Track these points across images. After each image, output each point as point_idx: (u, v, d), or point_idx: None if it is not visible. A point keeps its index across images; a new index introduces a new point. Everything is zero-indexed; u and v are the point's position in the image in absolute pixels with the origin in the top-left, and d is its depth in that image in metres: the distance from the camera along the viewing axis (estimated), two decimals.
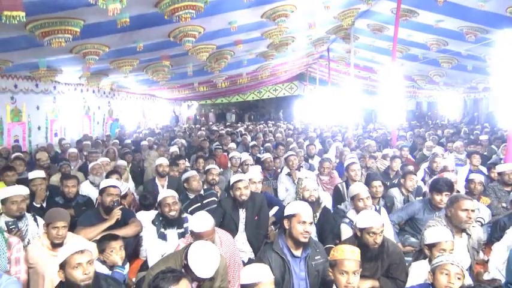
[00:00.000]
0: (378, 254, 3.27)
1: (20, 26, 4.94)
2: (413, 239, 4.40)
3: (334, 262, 2.72)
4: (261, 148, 9.57)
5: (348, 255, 2.67)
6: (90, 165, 6.13)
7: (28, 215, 4.00)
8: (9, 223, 3.76)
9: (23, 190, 4.02)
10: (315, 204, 4.27)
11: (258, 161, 7.38)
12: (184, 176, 5.25)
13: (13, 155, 7.34)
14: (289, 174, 6.36)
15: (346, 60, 14.91)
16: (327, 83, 16.88)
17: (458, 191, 5.06)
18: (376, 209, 4.34)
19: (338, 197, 5.40)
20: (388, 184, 5.83)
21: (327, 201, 5.09)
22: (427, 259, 3.14)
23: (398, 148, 8.36)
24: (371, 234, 3.20)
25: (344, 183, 5.53)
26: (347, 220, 4.20)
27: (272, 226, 4.76)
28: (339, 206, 4.85)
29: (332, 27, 10.75)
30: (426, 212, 4.38)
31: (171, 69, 10.77)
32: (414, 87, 17.24)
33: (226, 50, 9.80)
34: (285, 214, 3.21)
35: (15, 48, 6.57)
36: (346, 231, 4.12)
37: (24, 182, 4.91)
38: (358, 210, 4.07)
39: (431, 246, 3.11)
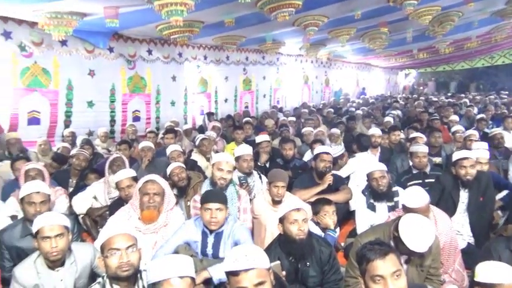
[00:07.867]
0: None
1: (252, 4, 5.57)
2: None
3: None
4: (490, 122, 8.36)
5: None
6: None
7: (254, 172, 4.57)
8: (241, 178, 4.40)
9: (250, 150, 4.58)
10: None
11: (484, 137, 6.50)
12: (411, 149, 5.02)
13: (244, 120, 8.52)
14: None
15: None
16: None
17: None
18: None
19: None
20: None
21: None
22: None
23: None
24: None
25: None
26: None
27: (499, 211, 4.17)
28: None
29: None
30: None
31: (388, 36, 10.39)
32: None
33: (452, 11, 8.75)
34: None
35: (248, 25, 7.47)
36: None
37: (252, 143, 5.62)
38: None
39: None
